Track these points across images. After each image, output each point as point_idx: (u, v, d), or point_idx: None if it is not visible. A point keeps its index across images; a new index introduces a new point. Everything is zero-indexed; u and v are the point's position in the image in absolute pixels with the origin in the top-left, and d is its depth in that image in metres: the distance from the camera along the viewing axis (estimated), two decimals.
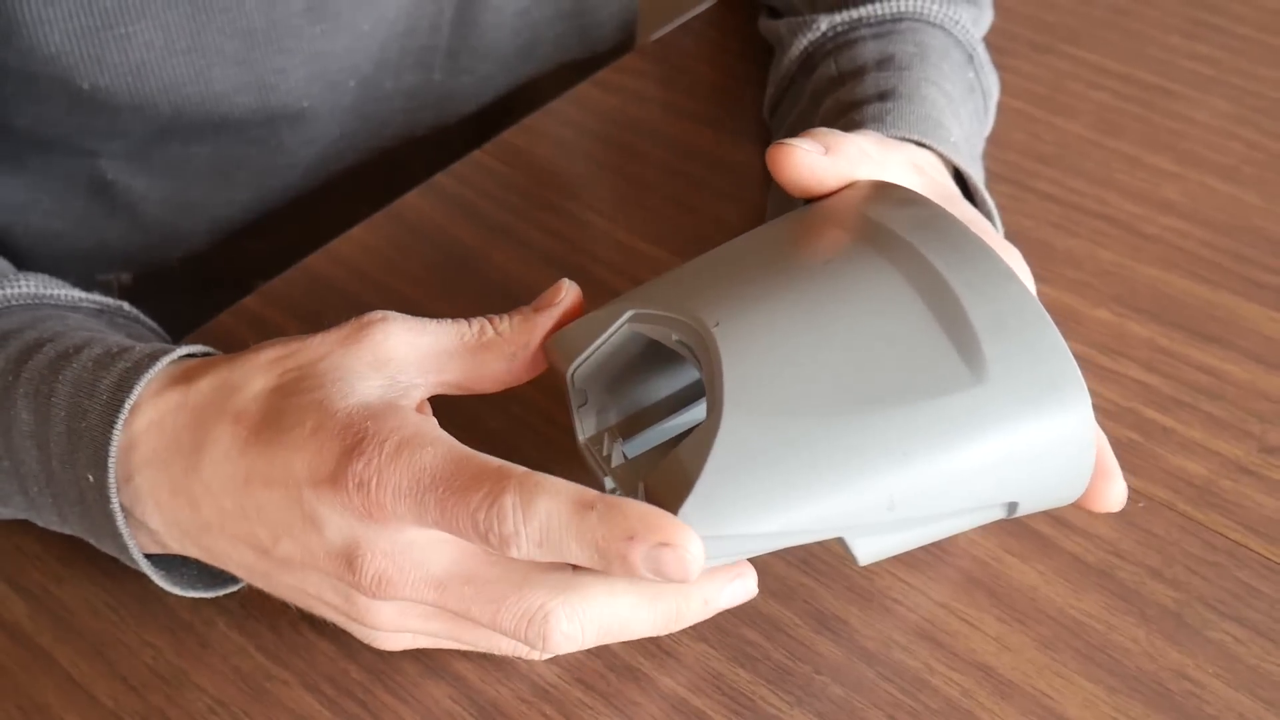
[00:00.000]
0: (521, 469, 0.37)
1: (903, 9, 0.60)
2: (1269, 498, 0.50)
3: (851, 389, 0.38)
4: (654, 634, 0.42)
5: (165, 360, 0.43)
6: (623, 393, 0.45)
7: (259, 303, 0.60)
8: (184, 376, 0.43)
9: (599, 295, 0.59)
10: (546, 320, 0.43)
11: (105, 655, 0.46)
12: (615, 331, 0.42)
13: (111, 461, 0.42)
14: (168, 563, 0.46)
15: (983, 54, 0.61)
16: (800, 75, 0.63)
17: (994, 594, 0.47)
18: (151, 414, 0.42)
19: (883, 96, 0.55)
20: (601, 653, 0.45)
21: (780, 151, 0.45)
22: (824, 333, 0.39)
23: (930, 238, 0.41)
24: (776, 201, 0.58)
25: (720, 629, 0.46)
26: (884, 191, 0.45)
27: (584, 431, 0.45)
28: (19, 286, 0.48)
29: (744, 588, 0.42)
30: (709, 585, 0.41)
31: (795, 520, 0.38)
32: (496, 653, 0.43)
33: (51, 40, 0.55)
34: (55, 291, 0.49)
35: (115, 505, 0.42)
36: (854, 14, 0.61)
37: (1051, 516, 0.50)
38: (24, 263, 0.68)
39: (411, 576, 0.39)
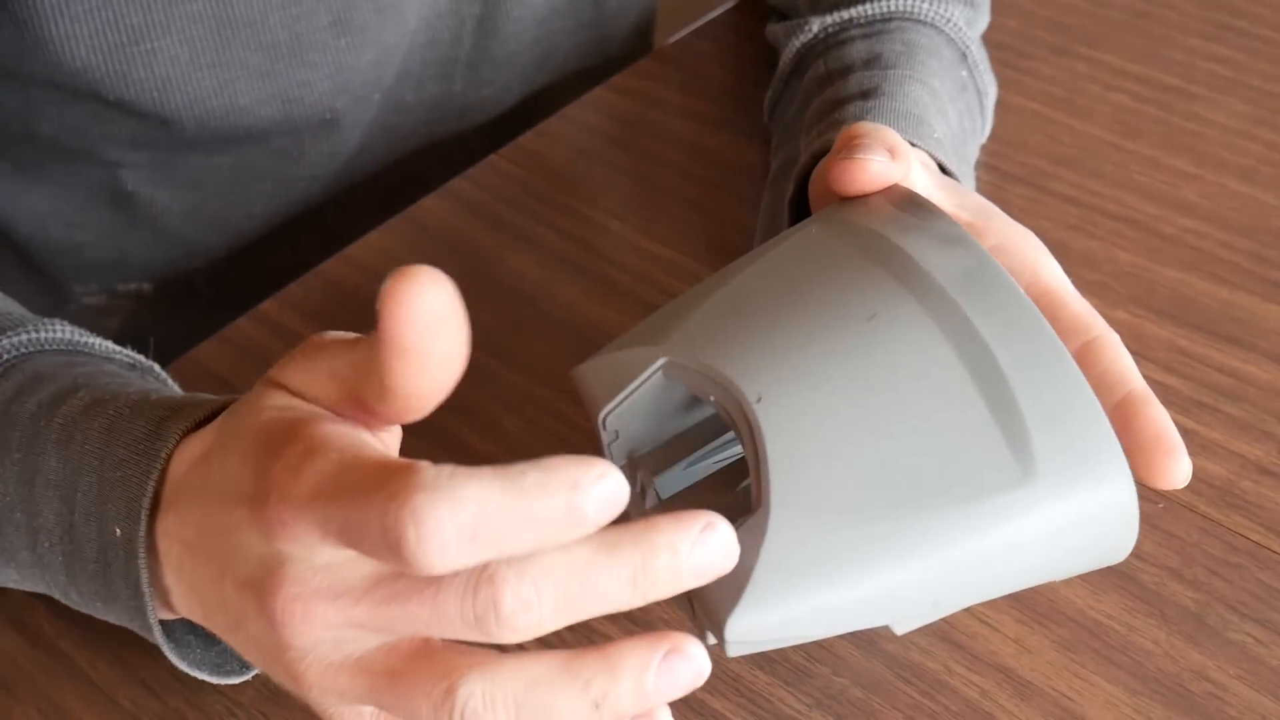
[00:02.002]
0: (432, 465, 0.30)
1: (893, 8, 0.60)
2: None
3: (898, 485, 0.37)
4: (625, 594, 0.33)
5: (200, 411, 0.41)
6: (653, 426, 0.44)
7: (277, 308, 0.60)
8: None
9: (617, 300, 0.59)
10: (388, 356, 0.32)
11: (125, 658, 0.46)
12: (648, 379, 0.41)
13: (143, 514, 0.39)
14: (179, 638, 0.43)
15: (978, 53, 0.61)
16: (794, 77, 0.63)
17: (1013, 596, 0.47)
18: (176, 467, 0.40)
19: (865, 95, 0.55)
20: None
21: (852, 166, 0.44)
22: (871, 418, 0.37)
23: (979, 299, 0.39)
24: (775, 192, 0.58)
25: None
26: (920, 215, 0.42)
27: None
28: (54, 331, 0.46)
29: (717, 540, 0.33)
30: (672, 529, 0.33)
31: (839, 623, 0.37)
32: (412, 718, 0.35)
33: (78, 55, 0.56)
34: (89, 340, 0.47)
35: (142, 560, 0.39)
36: (845, 15, 0.61)
37: None
38: (46, 273, 0.69)
39: (329, 592, 0.33)
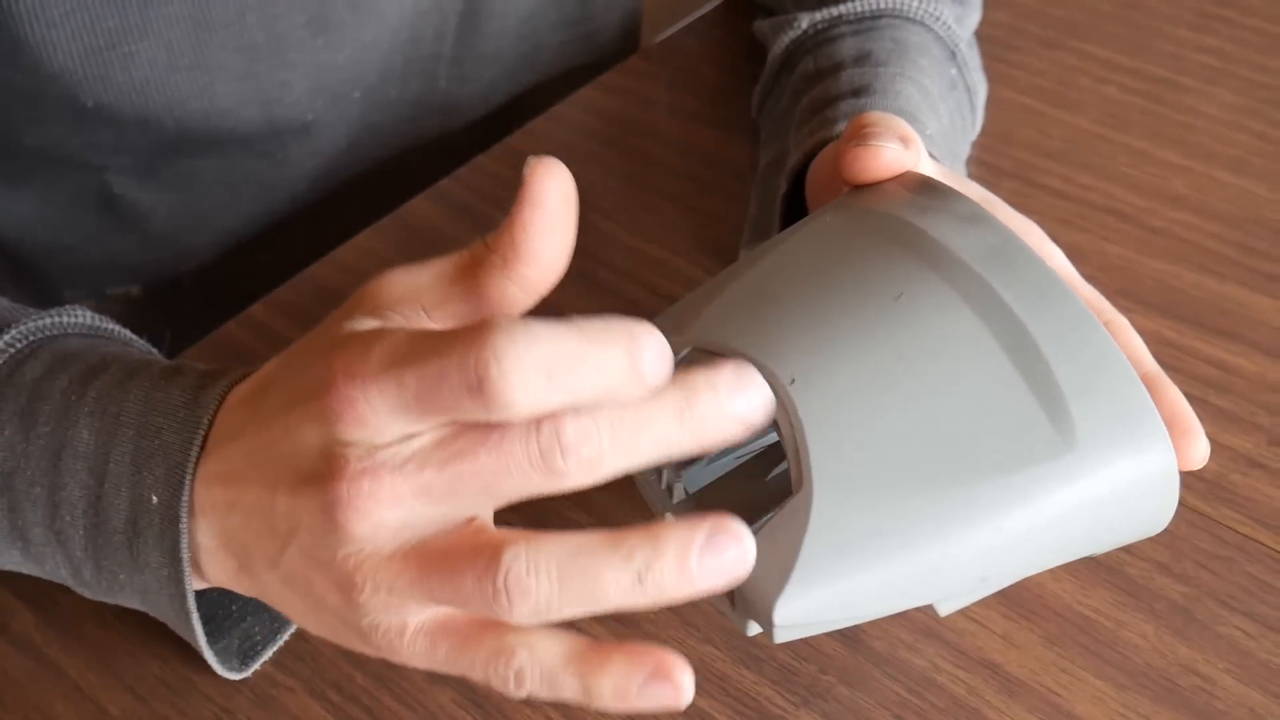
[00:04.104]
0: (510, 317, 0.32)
1: (883, 6, 0.60)
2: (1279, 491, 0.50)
3: (938, 459, 0.37)
4: (631, 592, 0.33)
5: (233, 375, 0.41)
6: None
7: (265, 311, 0.60)
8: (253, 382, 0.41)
9: (608, 300, 0.59)
10: (530, 213, 0.36)
11: (112, 665, 0.46)
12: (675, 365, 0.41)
13: (188, 478, 0.39)
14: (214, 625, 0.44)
15: (967, 51, 0.61)
16: (783, 73, 0.63)
17: (1001, 591, 0.47)
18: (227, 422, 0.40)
19: (857, 93, 0.55)
20: None
21: (866, 153, 0.43)
22: (906, 394, 0.37)
23: (1005, 274, 0.38)
24: (764, 189, 0.58)
25: (725, 630, 0.46)
26: (938, 197, 0.42)
27: None
28: (76, 316, 0.47)
29: (736, 551, 0.33)
30: (682, 533, 0.33)
31: (887, 603, 0.37)
32: (464, 603, 0.34)
33: (55, 60, 0.56)
34: (110, 326, 0.48)
35: (184, 525, 0.39)
36: (834, 11, 0.61)
37: None
38: (35, 278, 0.69)
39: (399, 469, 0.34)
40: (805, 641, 0.46)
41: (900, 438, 0.37)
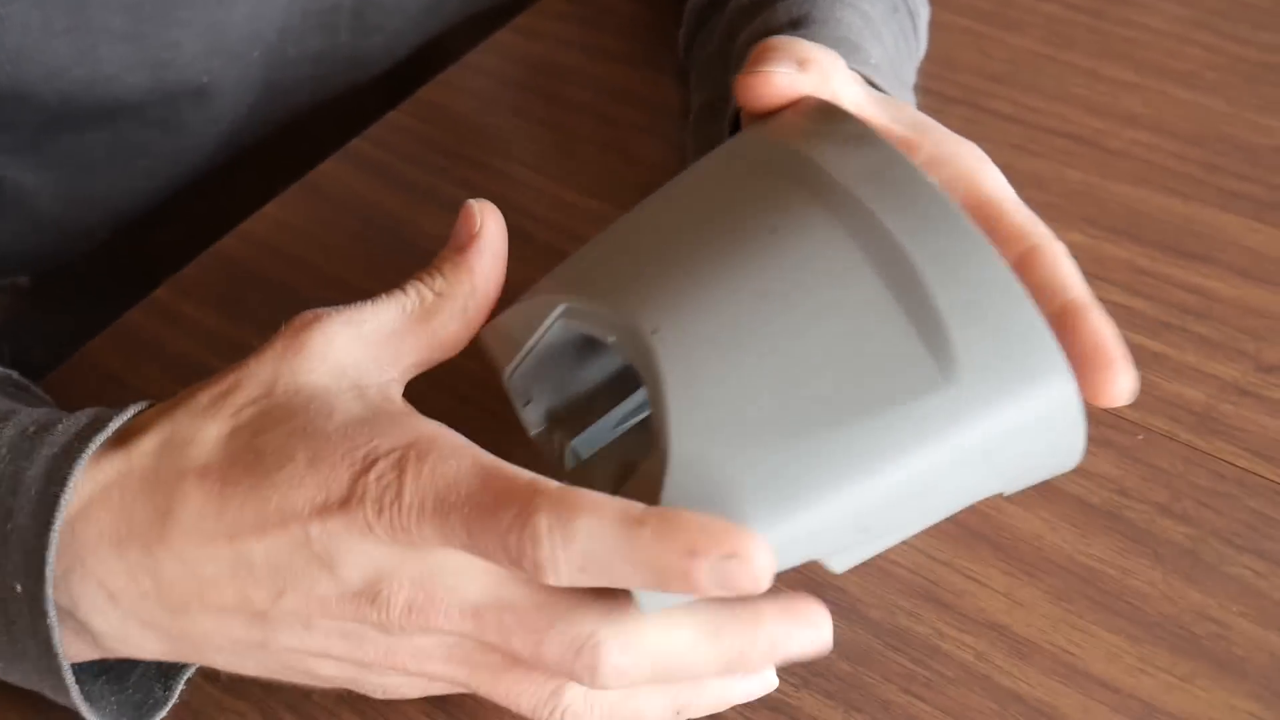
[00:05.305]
0: (555, 484, 0.33)
1: None
2: (1273, 419, 0.48)
3: (811, 403, 0.33)
4: (716, 677, 0.37)
5: (98, 441, 0.37)
6: (566, 382, 0.41)
7: (171, 295, 0.55)
8: (118, 441, 0.37)
9: (540, 257, 0.55)
10: (477, 256, 0.39)
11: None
12: (549, 329, 0.38)
13: (49, 569, 0.35)
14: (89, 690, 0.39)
15: None
16: (711, 9, 0.59)
17: (998, 546, 0.44)
18: (91, 490, 0.36)
19: (795, 23, 0.51)
20: None
21: (755, 80, 0.41)
22: (774, 334, 0.34)
23: (887, 197, 0.35)
24: (701, 135, 0.54)
25: None
26: (829, 121, 0.39)
27: (532, 429, 0.41)
28: None
29: (817, 636, 0.36)
30: (777, 625, 0.35)
31: None
32: (515, 708, 0.37)
33: None
34: None
35: (52, 618, 0.35)
36: None
37: None
38: None
39: (444, 604, 0.34)
40: None
41: (765, 382, 0.34)
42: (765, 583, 0.31)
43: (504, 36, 0.68)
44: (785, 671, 0.41)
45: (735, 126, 0.50)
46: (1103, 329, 0.37)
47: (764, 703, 0.41)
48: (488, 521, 0.32)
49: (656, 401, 0.34)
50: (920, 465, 0.33)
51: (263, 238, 0.57)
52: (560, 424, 0.41)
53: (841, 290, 0.34)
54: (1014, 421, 0.34)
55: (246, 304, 0.54)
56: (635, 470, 0.35)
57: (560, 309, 0.38)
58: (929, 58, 0.63)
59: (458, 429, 0.36)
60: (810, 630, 0.36)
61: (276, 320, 0.54)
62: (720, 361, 0.34)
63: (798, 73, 0.41)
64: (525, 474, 0.33)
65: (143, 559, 0.35)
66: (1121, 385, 0.36)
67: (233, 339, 0.53)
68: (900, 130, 0.43)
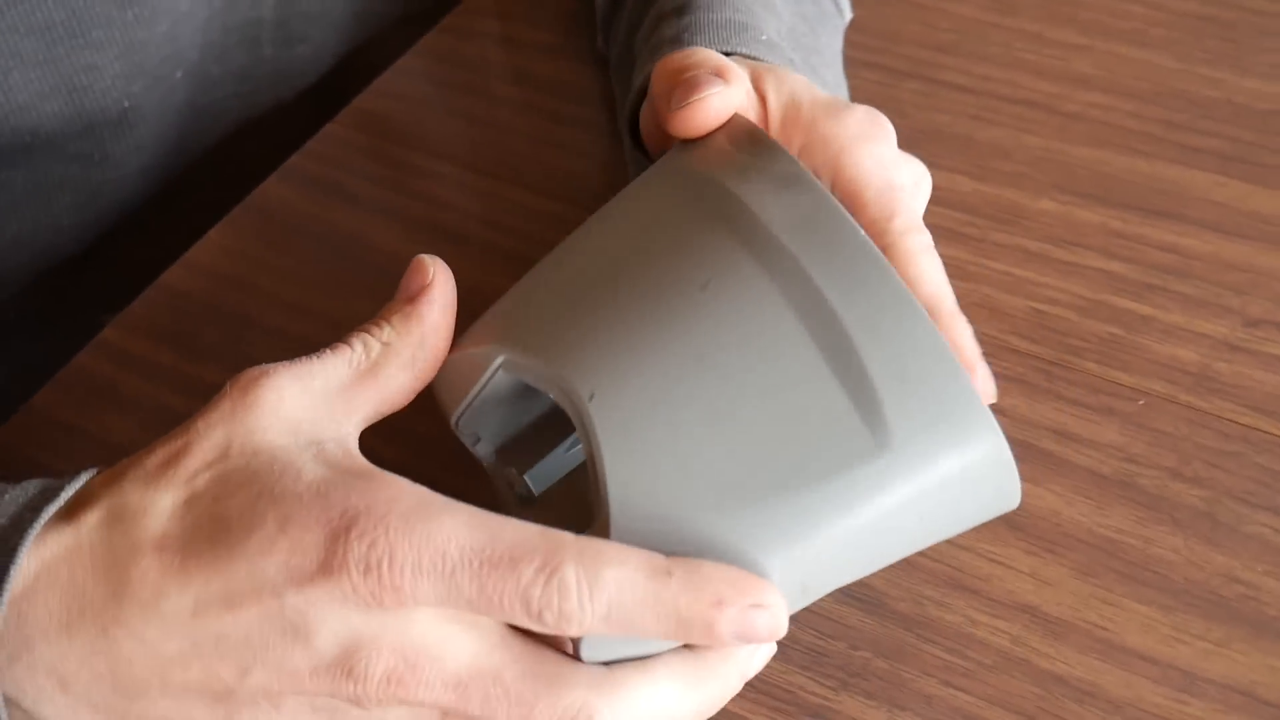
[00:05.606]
0: (572, 535, 0.32)
1: None
2: (1268, 373, 0.47)
3: (745, 471, 0.33)
4: None
5: (48, 511, 0.34)
6: (512, 420, 0.41)
7: (119, 334, 0.52)
8: (63, 515, 0.34)
9: (504, 264, 0.53)
10: (428, 306, 0.37)
11: None
12: (490, 379, 0.38)
13: None
14: None
15: None
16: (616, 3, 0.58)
17: (1016, 526, 0.43)
18: (37, 567, 0.33)
19: (680, 10, 0.49)
20: None
21: (689, 114, 0.40)
22: (711, 401, 0.34)
23: (816, 248, 0.35)
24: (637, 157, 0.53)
25: None
26: (757, 154, 0.38)
27: (485, 463, 0.41)
28: None
29: (769, 648, 0.36)
30: (742, 657, 0.35)
31: None
32: None
33: None
34: None
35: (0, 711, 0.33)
36: None
37: (1053, 430, 0.46)
38: None
39: (426, 673, 0.32)
40: (827, 616, 0.41)
41: (703, 450, 0.33)
42: (782, 631, 0.33)
43: (433, 39, 0.66)
44: (818, 676, 0.40)
45: (634, 123, 0.49)
46: (961, 335, 0.39)
47: (805, 709, 0.39)
48: (505, 574, 0.31)
49: (595, 468, 0.34)
50: (858, 527, 0.34)
51: (210, 266, 0.54)
52: (511, 459, 0.41)
53: (776, 357, 0.34)
54: (947, 481, 0.34)
55: (202, 338, 0.51)
56: (588, 524, 0.34)
57: (499, 360, 0.37)
58: (873, 31, 0.62)
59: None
60: (768, 641, 0.35)
61: (235, 352, 0.52)
62: (658, 429, 0.34)
63: (725, 89, 0.40)
64: (533, 525, 0.32)
65: (96, 640, 0.33)
66: (981, 389, 0.38)
67: (190, 376, 0.50)
68: (776, 112, 0.43)
